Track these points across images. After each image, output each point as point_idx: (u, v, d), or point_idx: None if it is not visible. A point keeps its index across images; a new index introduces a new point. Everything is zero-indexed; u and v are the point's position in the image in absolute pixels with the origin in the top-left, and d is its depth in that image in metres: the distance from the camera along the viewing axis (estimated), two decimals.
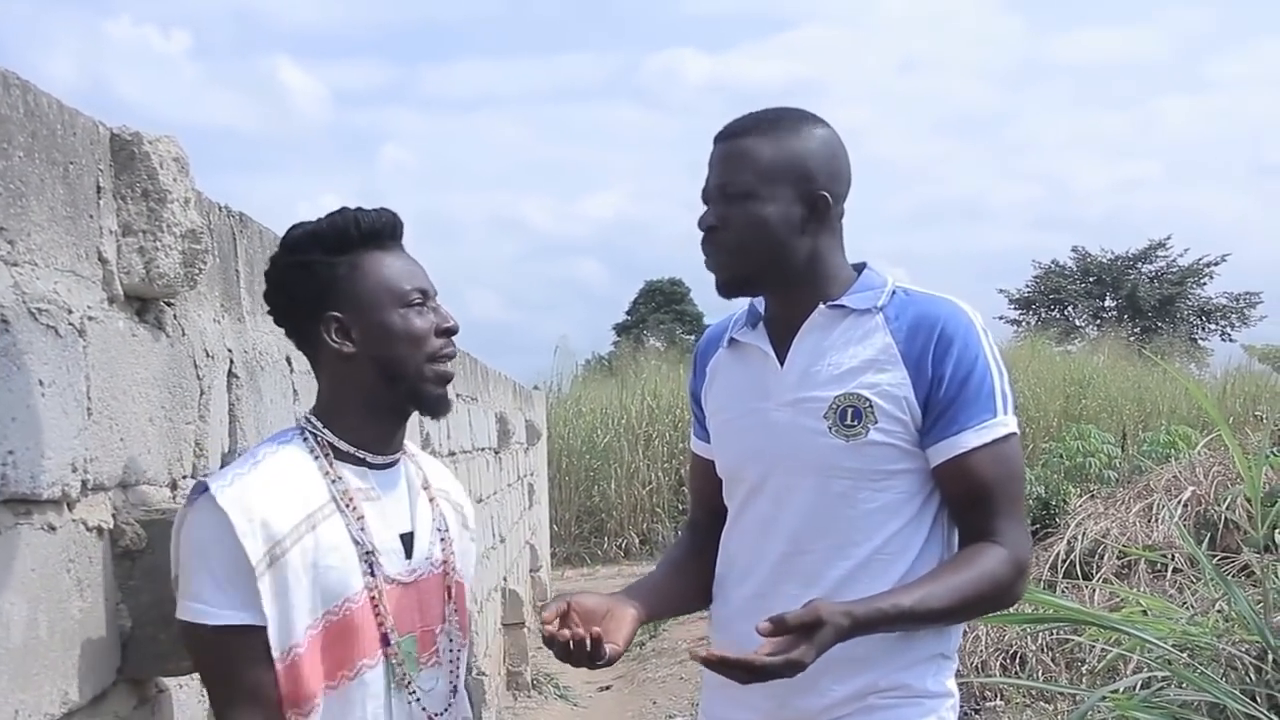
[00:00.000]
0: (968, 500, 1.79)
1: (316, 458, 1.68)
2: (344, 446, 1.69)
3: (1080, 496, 8.18)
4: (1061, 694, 3.37)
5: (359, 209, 1.73)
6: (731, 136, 1.85)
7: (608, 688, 7.68)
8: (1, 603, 1.38)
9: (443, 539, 1.79)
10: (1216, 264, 34.44)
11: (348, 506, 1.66)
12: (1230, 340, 32.78)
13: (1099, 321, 34.12)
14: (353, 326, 1.70)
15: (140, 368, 1.84)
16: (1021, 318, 34.94)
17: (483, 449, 6.93)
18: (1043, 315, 35.04)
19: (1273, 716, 2.60)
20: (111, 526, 1.72)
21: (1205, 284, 34.77)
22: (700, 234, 1.87)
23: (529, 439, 9.82)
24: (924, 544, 1.81)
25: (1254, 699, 2.70)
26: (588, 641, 1.70)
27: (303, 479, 1.65)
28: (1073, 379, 15.95)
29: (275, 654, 1.56)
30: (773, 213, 1.80)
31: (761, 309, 1.94)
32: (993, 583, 1.75)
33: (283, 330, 1.80)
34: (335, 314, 1.70)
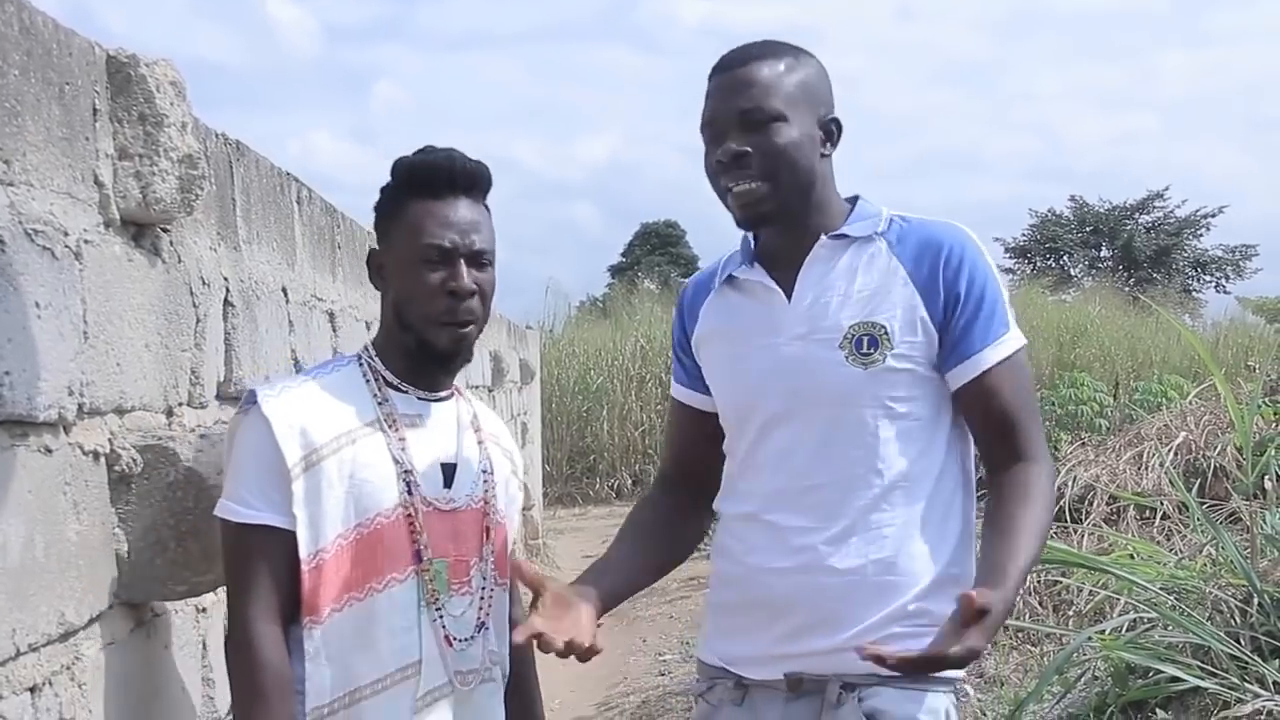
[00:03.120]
0: (995, 417, 1.79)
1: (368, 381, 1.75)
2: (391, 377, 1.75)
3: (1072, 444, 8.21)
4: (1049, 635, 3.40)
5: (433, 151, 1.76)
6: (741, 64, 1.81)
7: (599, 626, 7.74)
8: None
9: (486, 479, 1.82)
10: (1213, 216, 34.39)
11: (391, 427, 1.71)
12: (1225, 292, 32.81)
13: (1094, 271, 34.08)
14: (385, 265, 1.78)
15: (136, 293, 1.83)
16: (1017, 266, 34.87)
17: (476, 387, 6.93)
18: (1038, 264, 34.98)
19: (1255, 658, 2.63)
20: (108, 451, 1.72)
21: (1201, 236, 34.73)
22: (711, 168, 1.82)
23: (523, 378, 9.83)
24: (941, 469, 1.81)
25: (1239, 641, 2.73)
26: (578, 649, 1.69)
27: (351, 397, 1.72)
28: (1067, 328, 15.95)
29: (303, 555, 1.62)
30: (801, 136, 1.79)
31: (753, 245, 1.91)
32: (1051, 506, 1.78)
33: None
34: (377, 251, 1.79)
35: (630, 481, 14.72)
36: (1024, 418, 1.79)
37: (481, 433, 1.86)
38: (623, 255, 38.71)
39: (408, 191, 1.74)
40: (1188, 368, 15.03)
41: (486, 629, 1.78)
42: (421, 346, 1.74)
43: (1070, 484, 6.77)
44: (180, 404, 2.02)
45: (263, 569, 1.63)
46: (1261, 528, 3.03)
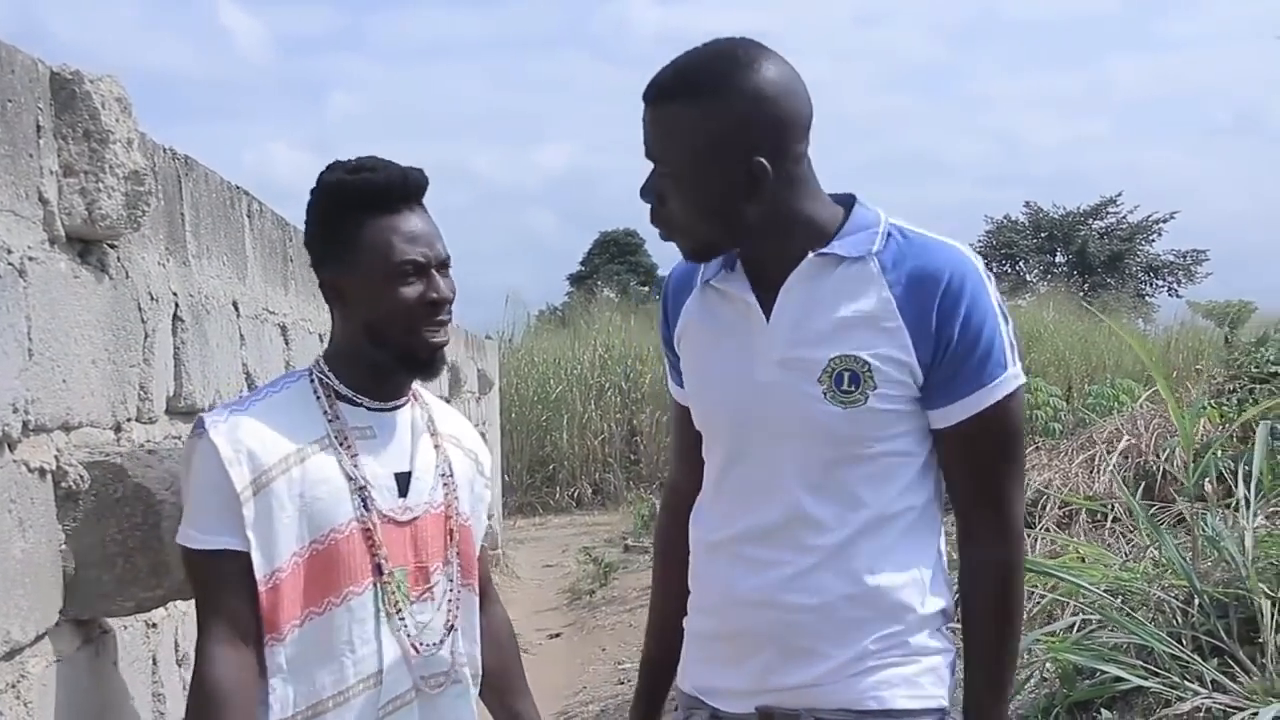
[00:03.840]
0: (968, 464, 1.69)
1: (319, 397, 1.75)
2: (344, 390, 1.75)
3: (1027, 448, 8.31)
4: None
5: (372, 167, 1.72)
6: (657, 100, 1.66)
7: (558, 635, 7.75)
8: None
9: (445, 483, 1.83)
10: (1165, 221, 34.91)
11: (342, 443, 1.72)
12: (1178, 296, 33.30)
13: (1049, 277, 34.49)
14: (347, 289, 1.75)
15: (83, 309, 1.83)
16: None
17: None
18: (995, 270, 35.13)
19: (1195, 657, 2.69)
20: (54, 468, 1.72)
21: (1154, 241, 35.25)
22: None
23: (481, 388, 9.82)
24: (924, 503, 1.71)
25: (1180, 641, 2.79)
26: None
27: (300, 415, 1.72)
28: (1022, 333, 16.15)
29: (259, 577, 1.63)
30: (706, 188, 1.64)
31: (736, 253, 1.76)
32: (1018, 595, 1.71)
33: None
34: (331, 274, 1.76)
35: (590, 490, 14.73)
36: (1002, 468, 1.68)
37: (438, 436, 1.85)
38: (582, 264, 38.73)
39: (359, 210, 1.71)
40: (1141, 371, 15.26)
41: (455, 631, 1.80)
42: (403, 359, 1.75)
43: (1025, 488, 6.86)
44: (129, 419, 2.03)
45: (223, 593, 1.64)
46: (1202, 530, 3.10)
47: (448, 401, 7.16)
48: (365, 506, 1.71)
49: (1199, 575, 2.92)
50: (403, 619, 1.73)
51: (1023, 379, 1.67)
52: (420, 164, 1.77)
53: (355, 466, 1.72)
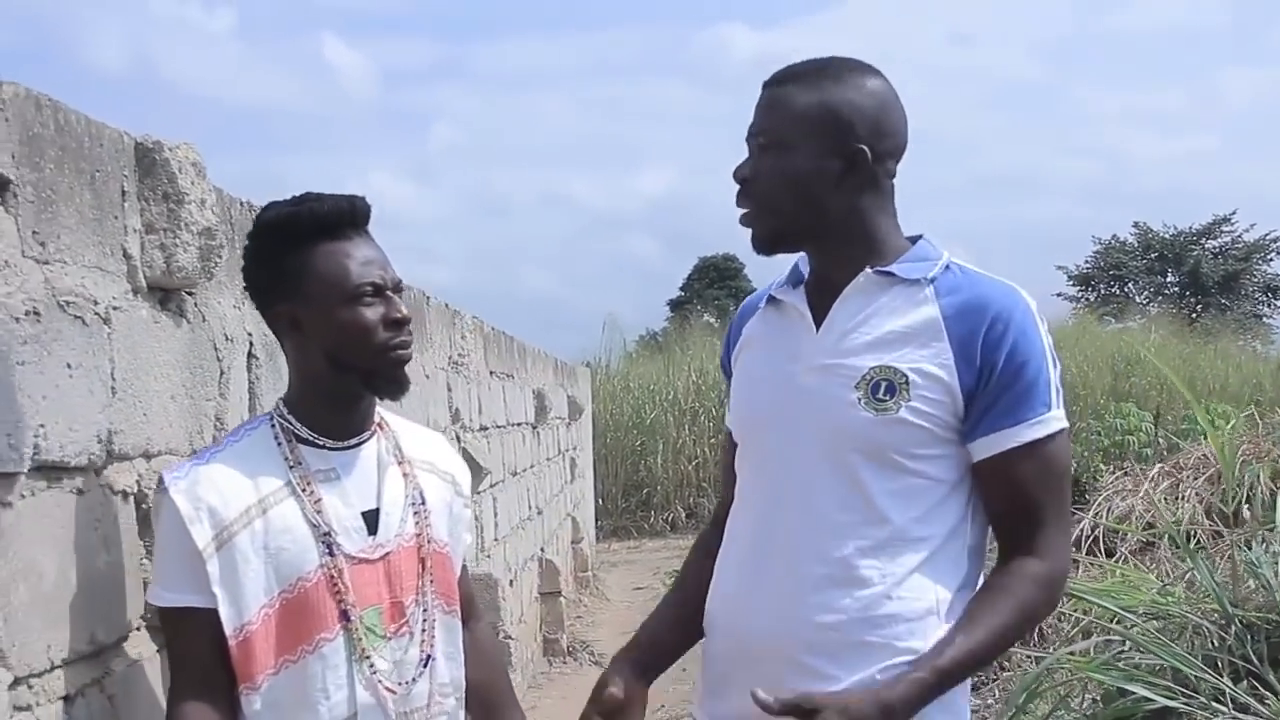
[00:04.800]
0: (1009, 502, 1.68)
1: (280, 443, 1.75)
2: (304, 432, 1.75)
3: (1113, 474, 8.24)
4: (1028, 658, 3.54)
5: (317, 198, 1.74)
6: (773, 83, 1.76)
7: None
8: (35, 554, 1.62)
9: (416, 512, 1.83)
10: None
11: (304, 490, 1.72)
12: None
13: (1160, 298, 33.71)
14: (303, 319, 1.74)
15: (162, 351, 2.07)
16: (1080, 294, 34.57)
17: (519, 424, 7.17)
18: (1103, 292, 34.63)
19: (1228, 682, 2.75)
20: (136, 491, 1.95)
21: (1271, 260, 34.20)
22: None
23: (570, 414, 10.06)
24: (949, 534, 1.70)
25: (1216, 664, 2.85)
26: None
27: (261, 464, 1.72)
28: (1121, 356, 15.89)
29: (228, 631, 1.64)
30: (804, 165, 1.70)
31: (805, 270, 1.83)
32: (1027, 614, 1.67)
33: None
34: (287, 305, 1.75)
35: (684, 514, 14.88)
36: (1043, 509, 1.67)
37: (406, 464, 1.85)
38: (681, 289, 38.98)
39: (308, 240, 1.72)
40: (1249, 395, 14.95)
41: (434, 661, 1.80)
42: (370, 381, 1.76)
43: (1105, 515, 6.84)
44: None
45: (191, 648, 1.66)
46: (1244, 555, 3.15)
47: (534, 429, 7.32)
48: (330, 553, 1.70)
49: (1239, 600, 2.98)
50: (371, 665, 1.72)
51: (1064, 423, 1.68)
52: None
53: (318, 513, 1.71)
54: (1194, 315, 28.95)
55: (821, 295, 1.77)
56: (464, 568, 1.98)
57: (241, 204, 2.52)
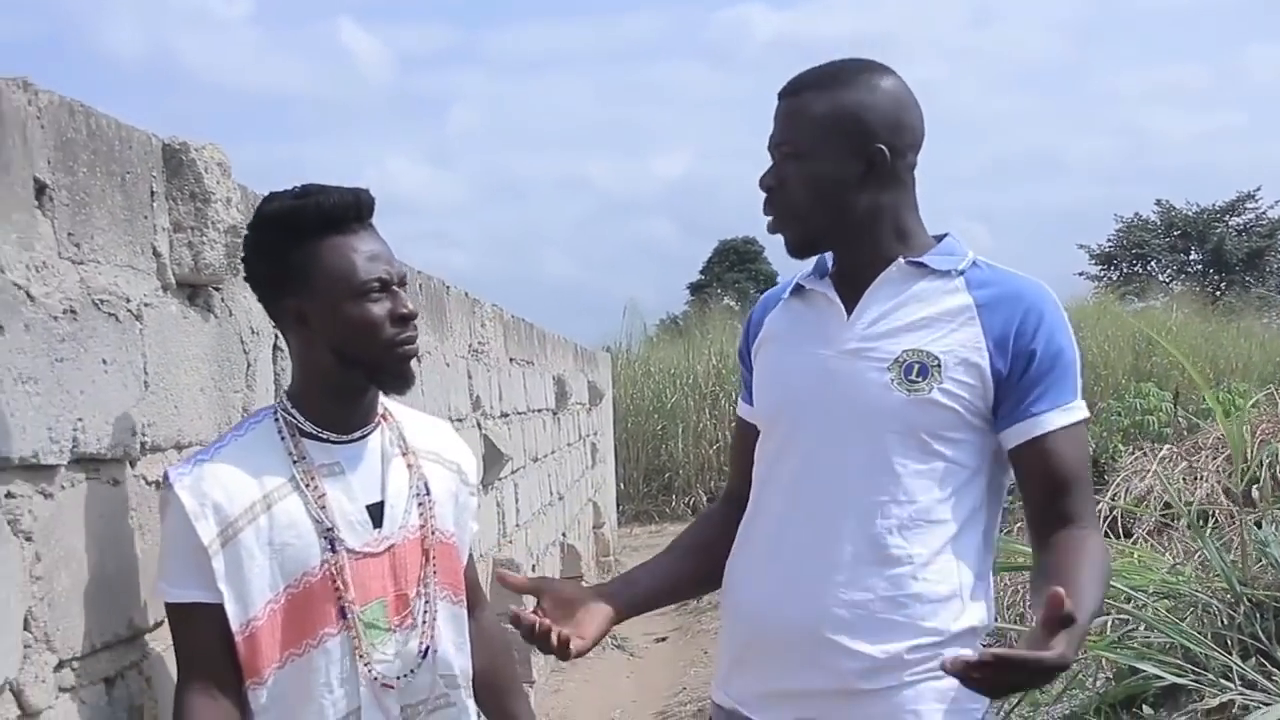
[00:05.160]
0: (1053, 479, 1.73)
1: (284, 437, 1.75)
2: (307, 427, 1.75)
3: (1132, 454, 8.26)
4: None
5: (321, 190, 1.73)
6: (789, 93, 1.82)
7: (664, 639, 7.99)
8: (75, 543, 1.69)
9: (420, 503, 1.83)
10: None
11: (308, 485, 1.72)
12: None
13: (1184, 276, 33.52)
14: (309, 314, 1.73)
15: (191, 345, 2.14)
16: (1103, 273, 34.42)
17: (539, 410, 7.24)
18: (1125, 271, 34.46)
19: (1236, 659, 2.79)
20: None
21: None
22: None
23: (591, 399, 10.13)
24: (968, 518, 1.75)
25: (1226, 641, 2.90)
26: (553, 635, 1.70)
27: (265, 459, 1.72)
28: (1143, 336, 15.84)
29: (234, 627, 1.65)
30: (826, 170, 1.76)
31: (830, 263, 1.88)
32: (1107, 569, 1.73)
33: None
34: (293, 300, 1.74)
35: (706, 498, 14.94)
36: (1080, 485, 1.74)
37: (411, 454, 1.85)
38: (701, 273, 39.00)
39: (313, 234, 1.72)
40: (1271, 374, 14.88)
41: (435, 653, 1.80)
42: (376, 375, 1.76)
43: (1124, 494, 6.86)
44: None
45: (197, 644, 1.67)
46: (1254, 534, 3.19)
47: (554, 415, 7.37)
48: (333, 549, 1.71)
49: (1248, 579, 3.02)
50: (367, 664, 1.73)
51: (1088, 415, 1.77)
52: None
53: (322, 509, 1.72)
54: (1217, 293, 28.77)
55: (851, 285, 1.82)
56: (470, 557, 1.98)
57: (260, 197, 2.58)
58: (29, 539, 1.56)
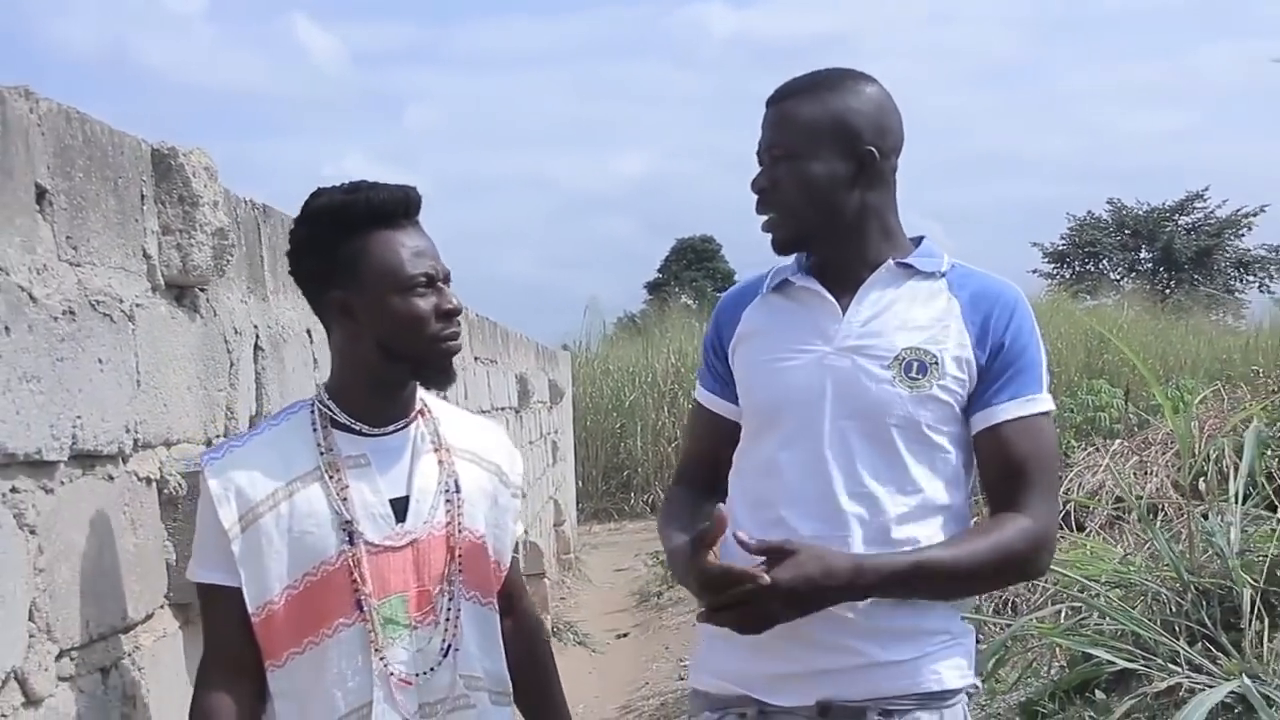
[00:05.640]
0: (1002, 469, 1.81)
1: (315, 429, 1.76)
2: (341, 418, 1.76)
3: (1085, 449, 8.43)
4: (997, 625, 3.70)
5: (372, 186, 1.75)
6: (777, 100, 1.89)
7: (625, 635, 8.08)
8: (74, 537, 1.75)
9: (449, 500, 1.81)
10: (1255, 215, 34.15)
11: (331, 476, 1.73)
12: (1269, 293, 32.68)
13: (1134, 275, 34.00)
14: (356, 306, 1.74)
15: (179, 345, 2.19)
16: (1055, 271, 34.83)
17: (502, 408, 7.30)
18: (1077, 269, 34.91)
19: (1183, 645, 2.92)
20: (158, 477, 2.08)
21: (1244, 235, 34.51)
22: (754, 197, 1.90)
23: (552, 398, 10.18)
24: (959, 504, 1.84)
25: (1174, 628, 3.02)
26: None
27: (293, 449, 1.75)
28: (1095, 333, 16.11)
29: (251, 609, 1.68)
30: (819, 170, 1.83)
31: (808, 260, 1.94)
32: (1005, 553, 1.76)
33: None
34: (340, 293, 1.75)
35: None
36: (1033, 477, 1.80)
37: (442, 451, 1.84)
38: (659, 271, 39.06)
39: (363, 229, 1.73)
40: (1218, 371, 15.19)
41: (457, 652, 1.78)
42: (420, 371, 1.77)
43: (1076, 489, 7.02)
44: (218, 435, 2.38)
45: (219, 622, 1.73)
46: (1201, 526, 3.32)
47: (517, 413, 7.38)
48: (350, 540, 1.72)
49: (1195, 569, 3.14)
50: (382, 657, 1.72)
51: (1052, 408, 1.85)
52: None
53: (343, 500, 1.73)
54: (1167, 291, 29.23)
55: (839, 283, 1.89)
56: (514, 560, 1.95)
57: (246, 203, 2.64)
58: (33, 532, 1.62)
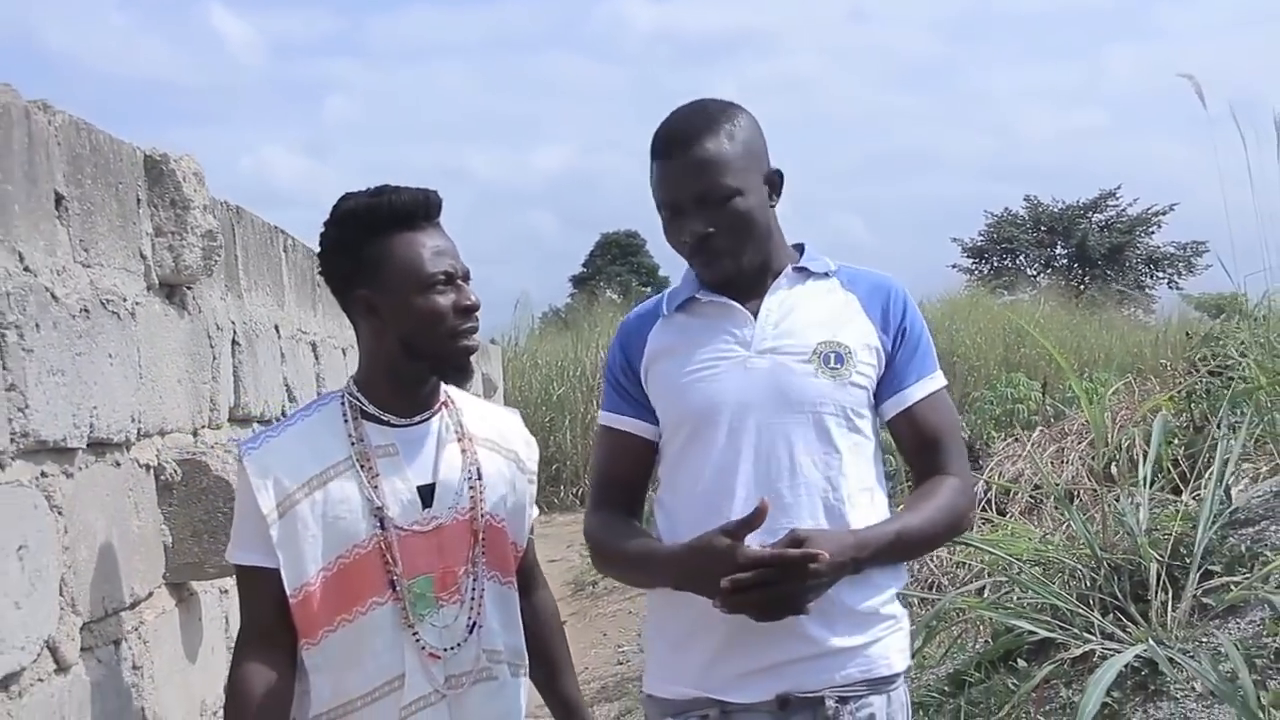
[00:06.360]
0: (922, 442, 1.94)
1: (346, 420, 1.85)
2: (370, 409, 1.85)
3: (1004, 440, 8.76)
4: (924, 601, 3.94)
5: (394, 190, 1.83)
6: (687, 146, 1.89)
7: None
8: (90, 518, 1.88)
9: (471, 486, 1.90)
10: (1164, 213, 35.08)
11: (363, 465, 1.82)
12: (1178, 289, 33.57)
13: (1049, 270, 34.78)
14: (380, 305, 1.82)
15: (171, 340, 2.33)
16: (974, 267, 35.47)
17: None
18: (995, 264, 35.61)
19: (1097, 615, 3.16)
20: (156, 464, 2.21)
21: (1154, 233, 35.47)
22: (678, 247, 1.92)
23: (485, 392, 10.31)
24: (879, 482, 1.94)
25: (1089, 601, 3.26)
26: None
27: (326, 439, 1.83)
28: (1012, 328, 16.57)
29: (289, 590, 1.76)
30: (753, 202, 1.88)
31: (697, 279, 1.97)
32: (954, 511, 1.91)
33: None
34: (364, 292, 1.83)
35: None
36: (947, 441, 1.94)
37: (465, 440, 1.92)
38: (584, 265, 39.15)
39: (386, 230, 1.81)
40: (1130, 364, 15.73)
41: (480, 629, 1.88)
42: (439, 367, 1.85)
43: (998, 478, 7.34)
44: (203, 426, 2.52)
45: (257, 603, 1.79)
46: (1112, 506, 3.57)
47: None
48: (382, 525, 1.81)
49: (1108, 546, 3.39)
50: (415, 633, 1.81)
51: (945, 381, 1.98)
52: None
53: (374, 488, 1.81)
54: (1082, 287, 29.94)
55: (745, 293, 1.94)
56: (530, 541, 2.05)
57: (222, 205, 2.77)
58: (60, 513, 1.76)
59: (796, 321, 1.92)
